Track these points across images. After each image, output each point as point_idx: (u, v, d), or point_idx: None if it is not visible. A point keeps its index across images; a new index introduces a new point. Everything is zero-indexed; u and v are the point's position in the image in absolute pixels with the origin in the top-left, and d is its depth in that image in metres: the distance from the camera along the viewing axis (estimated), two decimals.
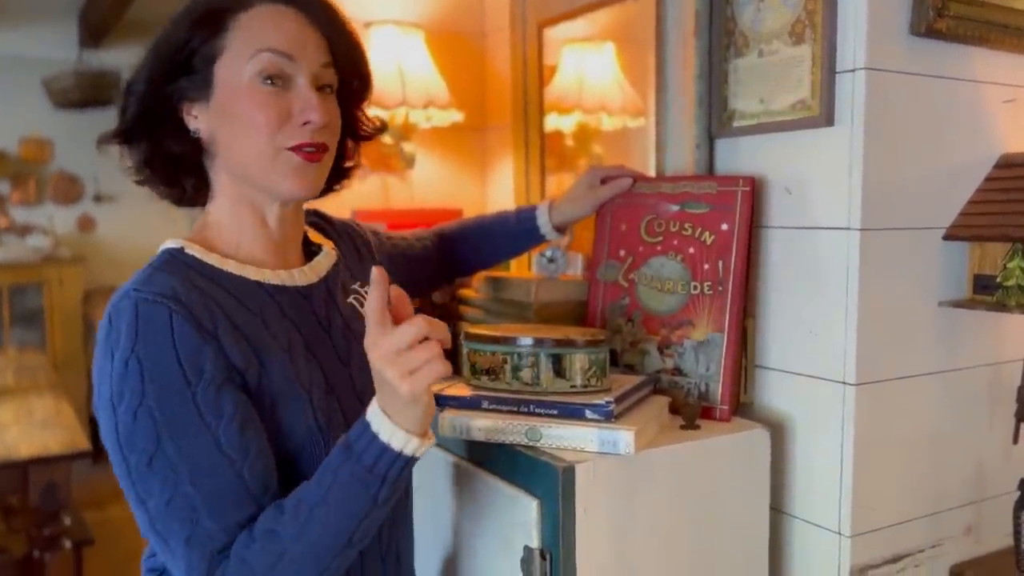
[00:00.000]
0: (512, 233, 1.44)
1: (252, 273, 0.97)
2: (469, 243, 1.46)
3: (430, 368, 0.83)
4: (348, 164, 1.12)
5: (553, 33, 1.78)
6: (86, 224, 5.59)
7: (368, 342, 0.85)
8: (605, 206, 1.41)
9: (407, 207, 2.03)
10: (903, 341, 1.23)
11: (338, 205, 1.90)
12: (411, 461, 0.88)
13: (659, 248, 1.33)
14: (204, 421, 0.85)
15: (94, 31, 4.77)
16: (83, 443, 2.72)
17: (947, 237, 1.25)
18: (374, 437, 0.86)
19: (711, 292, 1.27)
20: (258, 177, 0.96)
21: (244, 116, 0.93)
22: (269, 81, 0.93)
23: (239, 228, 0.99)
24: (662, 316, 1.32)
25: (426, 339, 0.83)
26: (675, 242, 1.32)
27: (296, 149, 0.94)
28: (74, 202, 5.58)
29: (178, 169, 0.97)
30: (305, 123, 0.94)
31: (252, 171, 0.95)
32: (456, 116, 1.92)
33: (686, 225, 1.30)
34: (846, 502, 1.21)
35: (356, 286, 1.12)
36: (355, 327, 1.06)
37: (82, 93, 4.99)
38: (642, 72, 1.54)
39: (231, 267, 0.96)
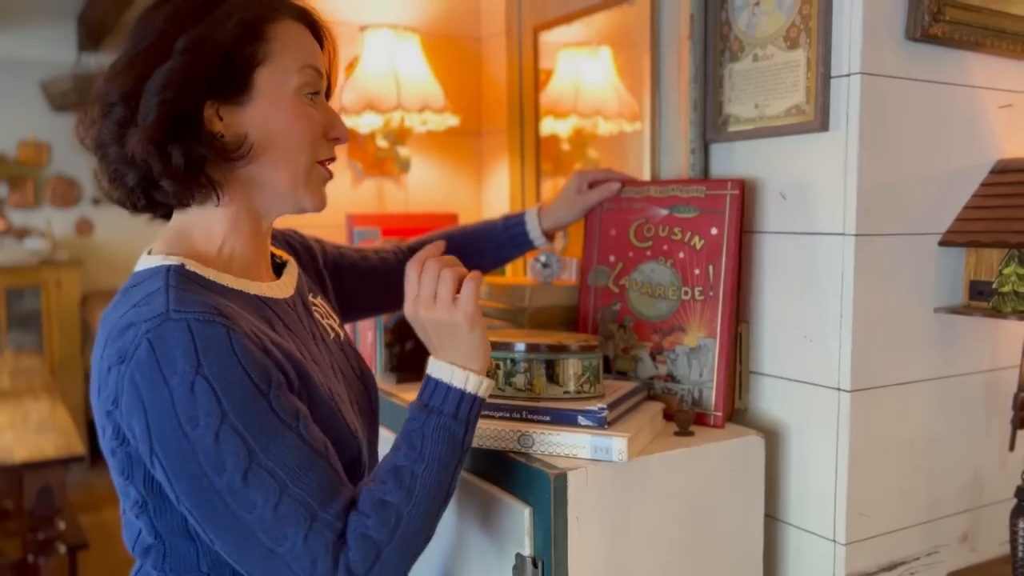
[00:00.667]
0: (499, 241, 1.42)
1: (249, 287, 0.96)
2: (451, 252, 1.42)
3: (466, 288, 0.94)
4: None
5: (549, 37, 1.77)
6: (84, 227, 5.59)
7: (408, 313, 0.97)
8: (594, 211, 1.40)
9: (402, 211, 2.03)
10: (898, 347, 1.22)
11: (334, 210, 1.89)
12: (482, 402, 0.96)
13: (649, 253, 1.33)
14: (287, 424, 0.85)
15: (93, 34, 4.77)
16: (79, 447, 2.71)
17: (943, 243, 1.24)
18: (449, 387, 0.94)
19: (702, 297, 1.27)
20: (288, 189, 0.96)
21: (291, 128, 0.94)
22: (311, 96, 0.96)
23: (235, 237, 0.97)
24: (653, 322, 1.31)
25: (444, 271, 0.95)
26: (665, 247, 1.31)
27: (323, 163, 1.00)
28: (72, 205, 5.57)
29: (189, 169, 0.90)
30: (335, 139, 1.00)
31: (285, 182, 0.96)
32: (452, 120, 1.92)
33: (675, 230, 1.30)
34: (841, 509, 1.20)
35: (313, 298, 1.11)
36: (328, 339, 1.07)
37: (80, 96, 4.98)
38: (638, 76, 1.53)
39: (228, 281, 0.94)
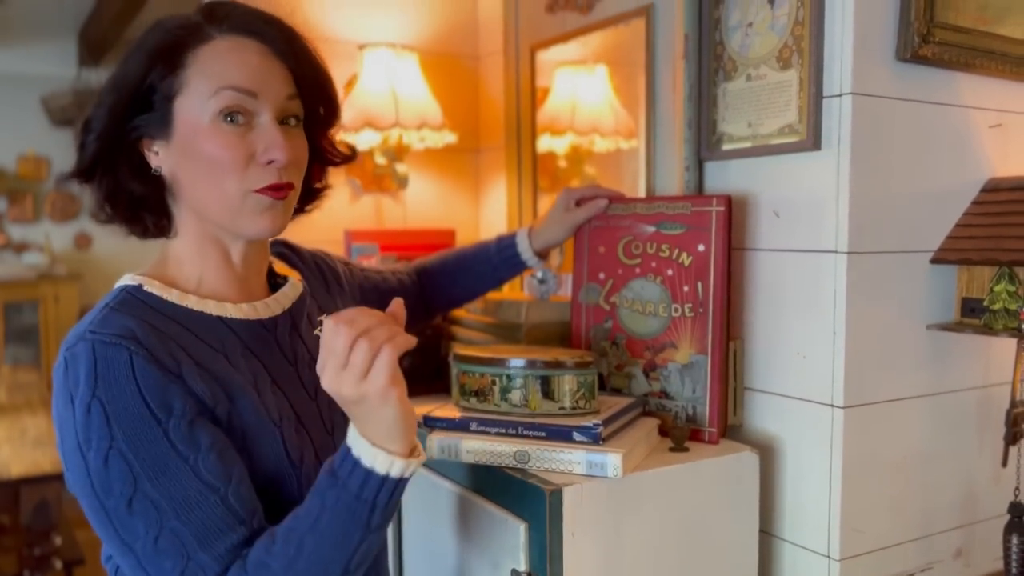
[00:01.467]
0: (493, 264, 1.42)
1: (213, 308, 0.95)
2: (449, 277, 1.44)
3: (381, 358, 0.79)
4: (317, 185, 1.08)
5: (546, 56, 1.79)
6: (83, 241, 5.61)
7: (323, 383, 0.82)
8: (582, 228, 1.41)
9: (401, 227, 2.04)
10: (891, 364, 1.24)
11: (332, 226, 1.91)
12: (400, 483, 0.85)
13: (638, 270, 1.33)
14: (181, 455, 0.83)
15: (93, 49, 4.81)
16: None
17: (934, 260, 1.26)
18: (356, 462, 0.83)
19: (692, 314, 1.27)
20: (223, 219, 0.93)
21: (207, 157, 0.89)
22: (231, 119, 0.89)
23: (202, 263, 0.96)
24: (645, 339, 1.32)
25: (364, 334, 0.80)
26: (653, 264, 1.31)
27: (263, 191, 0.91)
28: (71, 219, 5.60)
29: (140, 206, 0.94)
30: (269, 162, 0.90)
31: (216, 213, 0.92)
32: (450, 137, 1.93)
33: (663, 247, 1.30)
34: (835, 525, 1.21)
35: (322, 318, 1.10)
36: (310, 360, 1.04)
37: (80, 111, 5.02)
38: (634, 94, 1.55)
39: (191, 303, 0.93)
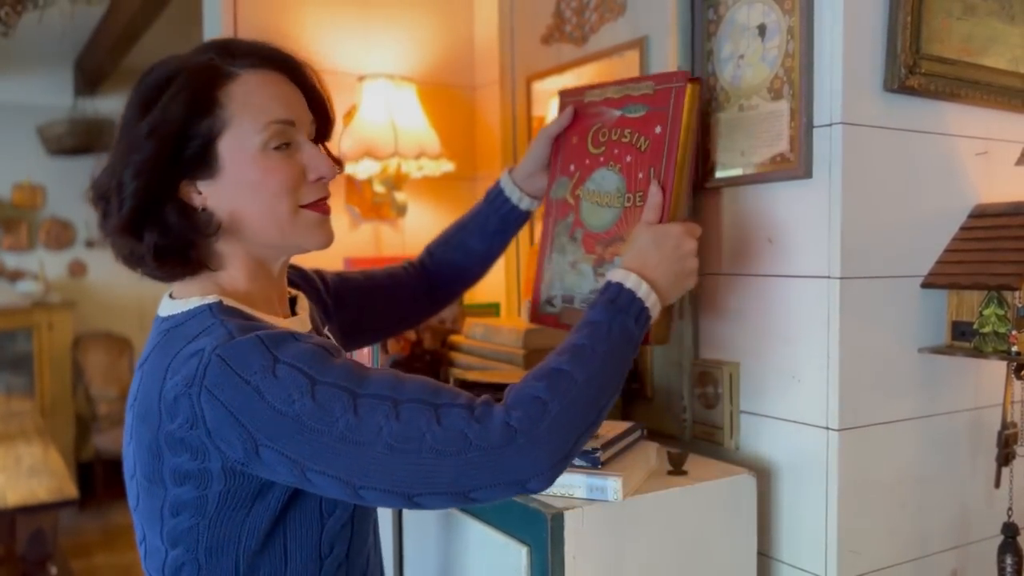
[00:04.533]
0: (486, 216, 1.36)
1: (279, 322, 0.99)
2: (452, 246, 1.39)
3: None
4: None
5: (541, 86, 1.83)
6: (77, 269, 5.61)
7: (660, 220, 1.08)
8: (561, 123, 1.31)
9: (399, 254, 2.06)
10: (885, 387, 1.26)
11: (332, 254, 1.93)
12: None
13: (602, 159, 1.22)
14: (367, 369, 0.89)
15: (90, 79, 4.84)
16: (71, 491, 2.70)
17: (925, 285, 1.28)
18: (633, 296, 0.99)
19: (642, 203, 1.15)
20: (280, 239, 0.99)
21: (262, 184, 0.95)
22: (278, 148, 0.96)
23: (254, 285, 1.01)
24: (598, 233, 1.22)
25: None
26: (615, 151, 1.20)
27: (311, 206, 0.99)
28: (65, 247, 5.60)
29: (190, 246, 0.96)
30: (319, 179, 0.99)
31: (273, 234, 0.98)
32: (447, 166, 1.96)
33: (626, 132, 1.19)
34: (832, 547, 1.22)
35: (324, 330, 1.15)
36: None
37: (76, 140, 5.05)
38: None
39: (260, 315, 0.97)
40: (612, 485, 1.10)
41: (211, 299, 0.95)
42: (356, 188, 2.01)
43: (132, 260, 0.97)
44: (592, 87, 1.29)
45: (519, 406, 0.86)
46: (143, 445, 0.91)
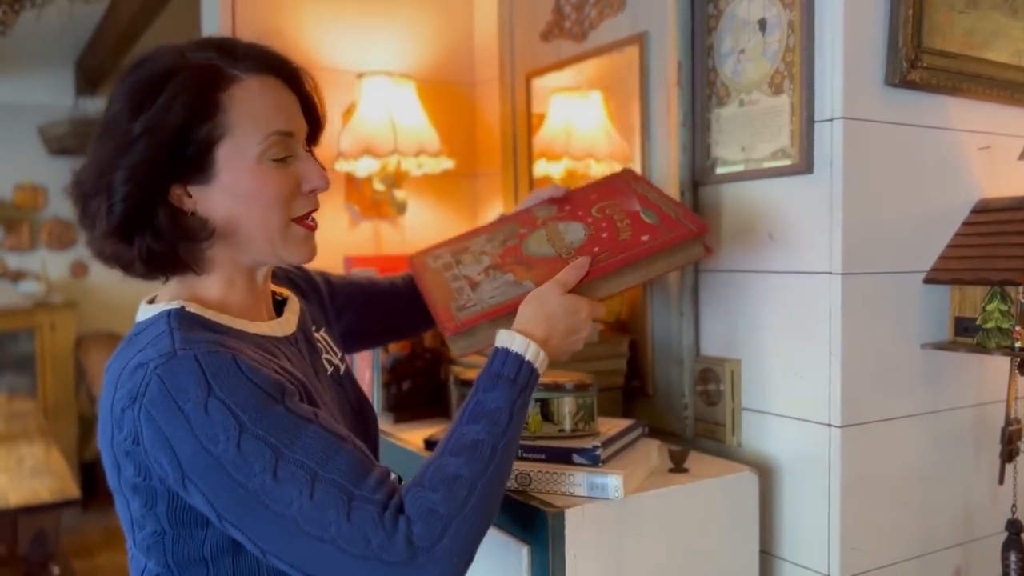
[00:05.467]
0: None
1: (248, 326, 0.97)
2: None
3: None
4: None
5: (541, 83, 1.82)
6: (79, 270, 5.60)
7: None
8: (603, 183, 1.34)
9: (399, 253, 2.06)
10: (887, 383, 1.25)
11: (331, 252, 1.93)
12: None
13: (588, 220, 1.24)
14: (306, 419, 0.86)
15: (91, 78, 4.84)
16: (73, 491, 2.70)
17: (927, 281, 1.27)
18: (532, 369, 0.97)
19: (567, 258, 1.13)
20: (268, 250, 0.97)
21: (257, 194, 0.94)
22: (277, 159, 0.94)
23: (232, 292, 0.99)
24: (522, 253, 1.22)
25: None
26: (604, 224, 1.22)
27: (301, 220, 0.98)
28: (67, 247, 5.60)
29: (178, 250, 0.93)
30: (312, 191, 0.98)
31: (262, 245, 0.96)
32: (447, 163, 1.95)
33: (625, 220, 1.21)
34: (835, 544, 1.21)
35: (316, 332, 1.12)
36: (325, 375, 1.08)
37: (77, 140, 5.04)
38: (628, 120, 1.57)
39: (227, 321, 0.96)
40: (613, 483, 1.09)
41: (173, 305, 0.93)
42: (355, 186, 2.00)
43: (117, 262, 0.95)
44: (649, 184, 1.32)
45: (419, 520, 0.84)
46: (107, 454, 0.91)
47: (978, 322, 1.22)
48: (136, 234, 0.91)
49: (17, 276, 5.45)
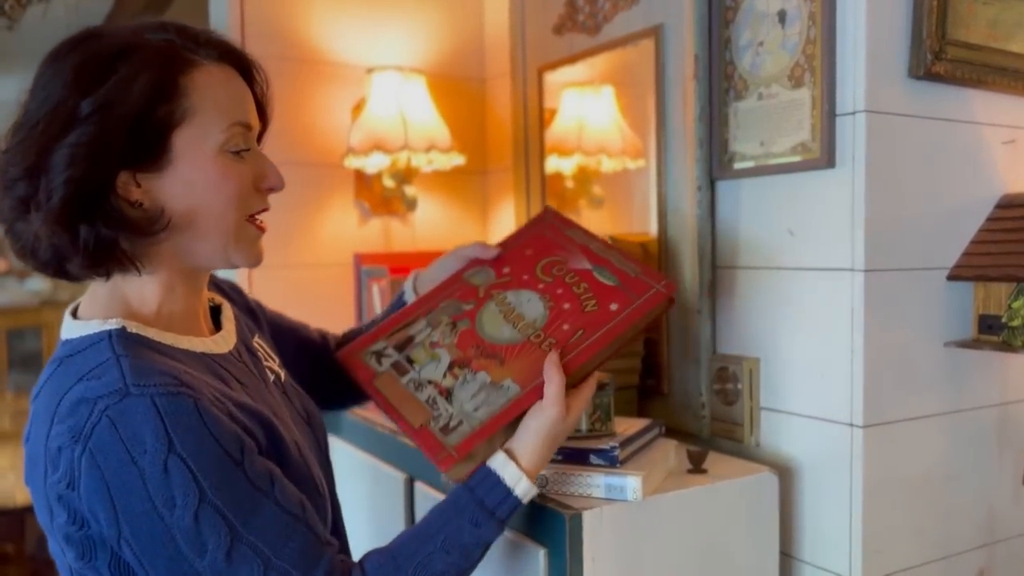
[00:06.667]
0: (385, 318, 1.25)
1: (195, 344, 0.91)
2: (351, 338, 1.30)
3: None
4: None
5: (553, 77, 1.79)
6: None
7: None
8: (529, 228, 1.27)
9: (409, 250, 2.04)
10: (910, 382, 1.22)
11: (341, 249, 1.91)
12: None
13: (541, 287, 1.17)
14: (263, 492, 0.82)
15: None
16: None
17: (951, 277, 1.25)
18: (518, 503, 0.96)
19: (547, 349, 1.07)
20: (220, 248, 0.90)
21: (216, 187, 0.87)
22: (236, 152, 0.89)
23: (171, 299, 0.91)
24: (483, 339, 1.14)
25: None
26: (559, 291, 1.15)
27: (252, 219, 0.92)
28: None
29: (117, 245, 0.84)
30: (269, 189, 0.93)
31: (216, 242, 0.89)
32: (458, 159, 1.93)
33: (582, 285, 1.15)
34: (856, 546, 1.19)
35: (254, 340, 1.06)
36: (275, 382, 1.03)
37: None
38: (641, 114, 1.55)
39: (173, 340, 0.88)
40: (631, 484, 1.07)
41: (113, 324, 0.84)
42: (366, 183, 1.98)
43: (53, 256, 0.84)
44: (579, 228, 1.24)
45: None
46: (38, 494, 0.83)
47: (1003, 320, 1.20)
48: (82, 223, 0.81)
49: (23, 274, 5.44)
